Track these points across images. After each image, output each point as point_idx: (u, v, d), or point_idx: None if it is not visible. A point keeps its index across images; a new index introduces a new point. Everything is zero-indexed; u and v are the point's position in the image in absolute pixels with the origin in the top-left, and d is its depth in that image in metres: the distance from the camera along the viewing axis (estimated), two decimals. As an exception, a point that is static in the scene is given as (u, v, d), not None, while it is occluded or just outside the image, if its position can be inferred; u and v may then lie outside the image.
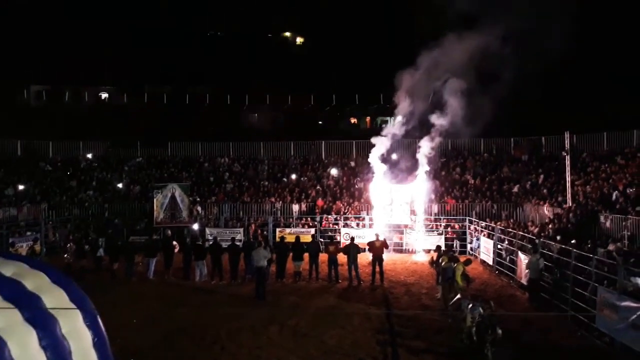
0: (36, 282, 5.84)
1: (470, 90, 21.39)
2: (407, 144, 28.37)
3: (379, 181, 23.61)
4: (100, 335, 6.11)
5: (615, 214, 17.94)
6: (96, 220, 24.79)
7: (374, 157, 24.01)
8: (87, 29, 47.58)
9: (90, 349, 5.92)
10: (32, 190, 26.72)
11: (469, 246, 21.88)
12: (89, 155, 30.85)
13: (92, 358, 5.91)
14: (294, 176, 28.55)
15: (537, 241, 15.33)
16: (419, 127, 24.03)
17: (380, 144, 24.03)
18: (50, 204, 25.56)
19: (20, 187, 26.39)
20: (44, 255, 20.58)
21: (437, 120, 22.44)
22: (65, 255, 18.58)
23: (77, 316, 5.91)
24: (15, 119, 36.29)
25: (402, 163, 26.03)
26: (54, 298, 5.79)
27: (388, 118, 46.62)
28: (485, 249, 19.81)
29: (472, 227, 22.18)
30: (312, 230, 22.48)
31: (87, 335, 5.93)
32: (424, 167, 23.56)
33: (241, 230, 22.93)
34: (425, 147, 23.46)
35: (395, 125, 24.73)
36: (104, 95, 48.93)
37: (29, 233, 21.35)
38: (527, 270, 14.33)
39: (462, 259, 14.35)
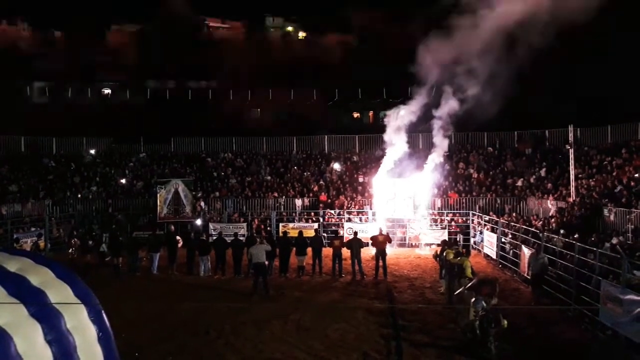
0: (41, 277, 5.87)
1: (473, 83, 21.27)
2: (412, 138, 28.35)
3: (382, 175, 23.60)
4: (104, 330, 6.14)
5: (619, 207, 17.89)
6: (100, 216, 24.87)
7: (391, 130, 23.60)
8: (89, 25, 47.59)
9: (95, 343, 5.95)
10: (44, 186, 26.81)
11: (472, 240, 21.87)
12: (92, 151, 30.91)
13: (97, 353, 5.94)
14: (296, 167, 28.56)
15: (540, 235, 15.28)
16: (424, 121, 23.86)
17: (401, 115, 23.45)
18: (54, 200, 25.64)
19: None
20: (48, 250, 20.68)
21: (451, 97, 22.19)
22: (70, 251, 18.65)
23: (82, 311, 5.93)
24: (19, 115, 36.33)
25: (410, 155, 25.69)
26: (58, 293, 5.82)
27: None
28: (488, 242, 19.80)
29: (475, 221, 22.17)
30: (316, 225, 22.50)
31: (91, 330, 5.96)
32: (439, 134, 23.11)
33: (244, 225, 22.99)
34: (445, 110, 22.76)
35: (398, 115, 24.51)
36: (107, 91, 48.96)
37: (33, 229, 21.47)
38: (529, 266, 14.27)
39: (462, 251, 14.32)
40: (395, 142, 23.43)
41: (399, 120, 23.50)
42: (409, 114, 23.32)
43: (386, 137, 24.06)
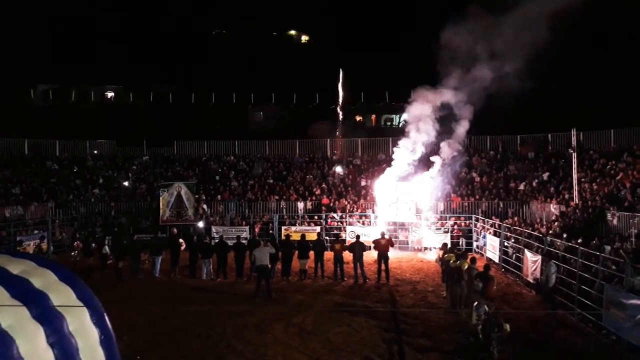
0: (43, 279, 5.87)
1: (477, 87, 21.24)
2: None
3: (385, 178, 23.57)
4: (107, 332, 6.14)
5: (622, 211, 17.84)
6: (102, 219, 24.91)
7: (412, 113, 22.90)
8: (93, 28, 47.86)
9: (97, 346, 5.95)
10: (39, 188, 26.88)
11: (475, 244, 21.83)
12: (95, 152, 31.07)
13: (99, 355, 5.94)
14: (298, 171, 28.59)
15: (544, 239, 15.24)
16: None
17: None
18: (57, 203, 25.69)
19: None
20: (51, 253, 20.70)
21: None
22: (72, 254, 18.67)
23: (84, 314, 5.93)
24: (22, 118, 36.52)
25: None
26: (61, 296, 5.82)
27: (394, 116, 46.63)
28: (491, 246, 19.76)
29: (478, 224, 22.12)
30: (318, 229, 22.48)
31: (94, 333, 5.95)
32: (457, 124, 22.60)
33: (247, 228, 22.99)
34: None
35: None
36: (110, 94, 49.16)
37: (36, 231, 21.49)
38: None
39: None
40: (418, 135, 22.81)
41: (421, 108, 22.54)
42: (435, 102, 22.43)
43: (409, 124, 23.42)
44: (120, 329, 6.86)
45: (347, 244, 17.95)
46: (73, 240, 20.14)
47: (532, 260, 15.02)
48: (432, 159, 23.86)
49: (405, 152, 23.37)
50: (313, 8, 53.53)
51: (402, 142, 23.64)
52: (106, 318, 6.25)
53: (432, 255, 20.83)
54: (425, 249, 21.88)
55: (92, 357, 5.83)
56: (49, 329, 5.37)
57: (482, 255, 20.48)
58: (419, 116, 22.76)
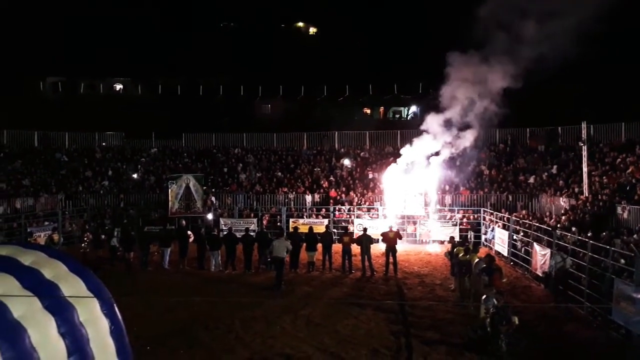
0: (54, 270, 5.93)
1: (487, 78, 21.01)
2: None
3: (394, 171, 23.47)
4: (116, 323, 6.19)
5: (633, 205, 17.68)
6: (112, 211, 25.07)
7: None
8: (102, 21, 47.95)
9: (107, 336, 6.01)
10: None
11: (483, 237, 21.75)
12: (104, 144, 31.24)
13: (109, 345, 6.00)
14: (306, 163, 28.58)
15: (554, 233, 15.14)
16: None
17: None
18: (67, 194, 25.89)
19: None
20: (61, 244, 20.88)
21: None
22: (83, 245, 18.83)
23: (94, 304, 5.99)
24: (32, 110, 36.74)
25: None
26: (71, 286, 5.88)
27: (402, 108, 46.44)
28: (500, 240, 19.68)
29: (487, 218, 22.03)
30: (326, 221, 22.49)
31: (104, 323, 6.01)
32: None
33: (255, 220, 23.06)
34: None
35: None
36: (119, 87, 49.32)
37: (46, 223, 21.69)
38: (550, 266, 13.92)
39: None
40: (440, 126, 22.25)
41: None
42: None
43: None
44: (129, 320, 6.91)
45: (355, 237, 17.94)
46: (83, 232, 20.29)
47: (541, 254, 14.95)
48: (468, 117, 22.73)
49: (437, 127, 22.50)
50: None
51: (432, 116, 22.72)
52: (116, 309, 6.31)
53: (436, 248, 20.86)
54: (440, 241, 21.74)
55: (103, 347, 5.89)
56: (60, 319, 5.43)
57: (491, 248, 20.43)
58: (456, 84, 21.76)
